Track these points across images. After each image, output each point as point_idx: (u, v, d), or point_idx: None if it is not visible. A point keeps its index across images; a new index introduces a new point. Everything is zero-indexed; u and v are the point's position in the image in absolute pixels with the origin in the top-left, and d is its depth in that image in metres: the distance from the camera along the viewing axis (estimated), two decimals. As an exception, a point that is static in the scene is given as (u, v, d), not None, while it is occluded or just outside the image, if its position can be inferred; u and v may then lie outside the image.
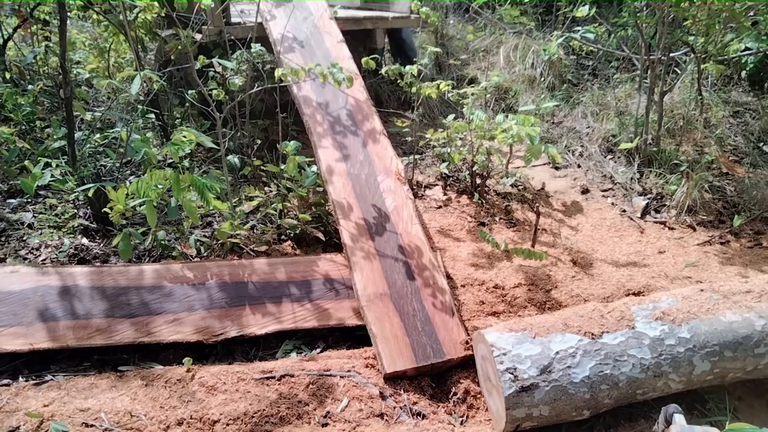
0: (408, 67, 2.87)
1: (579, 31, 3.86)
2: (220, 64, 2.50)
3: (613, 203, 3.45)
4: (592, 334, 1.77)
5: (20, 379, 1.89)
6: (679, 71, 4.31)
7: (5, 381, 1.87)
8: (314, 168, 2.61)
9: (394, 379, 1.94)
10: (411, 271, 2.29)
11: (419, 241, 2.41)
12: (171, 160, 2.87)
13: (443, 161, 3.50)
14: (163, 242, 2.48)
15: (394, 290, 2.20)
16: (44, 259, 2.47)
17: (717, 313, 1.85)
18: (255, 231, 2.68)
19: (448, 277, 2.52)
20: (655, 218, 3.30)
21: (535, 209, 2.99)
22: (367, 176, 2.64)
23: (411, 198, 2.60)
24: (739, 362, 1.82)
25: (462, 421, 1.86)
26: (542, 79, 4.80)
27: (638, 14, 3.78)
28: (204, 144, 2.31)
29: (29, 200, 2.93)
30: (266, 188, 2.94)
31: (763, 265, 2.83)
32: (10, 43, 3.81)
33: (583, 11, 3.64)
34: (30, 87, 3.47)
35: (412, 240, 2.41)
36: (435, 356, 1.98)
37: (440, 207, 3.31)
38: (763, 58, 4.23)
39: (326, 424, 1.75)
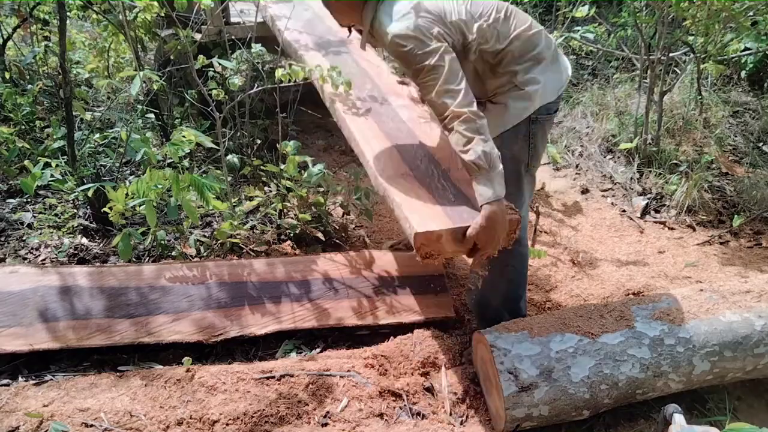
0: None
1: (579, 31, 3.86)
2: (219, 63, 2.49)
3: (612, 203, 3.45)
4: (592, 333, 1.77)
5: (20, 379, 1.88)
6: (678, 71, 4.31)
7: (5, 381, 1.86)
8: (318, 166, 2.60)
9: (426, 253, 1.59)
10: (434, 158, 1.96)
11: (437, 136, 2.13)
12: (171, 160, 2.87)
13: (443, 161, 3.49)
14: (162, 242, 2.48)
15: (418, 172, 1.87)
16: (44, 259, 2.47)
17: (717, 313, 1.86)
18: (255, 231, 2.68)
19: (448, 276, 2.52)
20: (655, 218, 3.30)
21: (534, 209, 2.99)
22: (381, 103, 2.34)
23: (419, 102, 2.34)
24: (739, 362, 1.82)
25: (462, 421, 1.86)
26: (542, 79, 4.79)
27: (638, 14, 3.78)
28: (203, 144, 2.31)
29: (29, 200, 2.93)
30: (266, 188, 2.94)
31: (763, 265, 2.83)
32: (10, 43, 3.81)
33: (582, 11, 3.64)
34: (30, 87, 3.47)
35: (429, 131, 2.13)
36: (473, 220, 1.62)
37: (440, 207, 3.31)
38: (762, 58, 4.23)
39: (326, 424, 1.75)
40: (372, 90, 2.42)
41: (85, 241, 2.59)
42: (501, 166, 1.63)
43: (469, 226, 1.59)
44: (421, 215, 1.63)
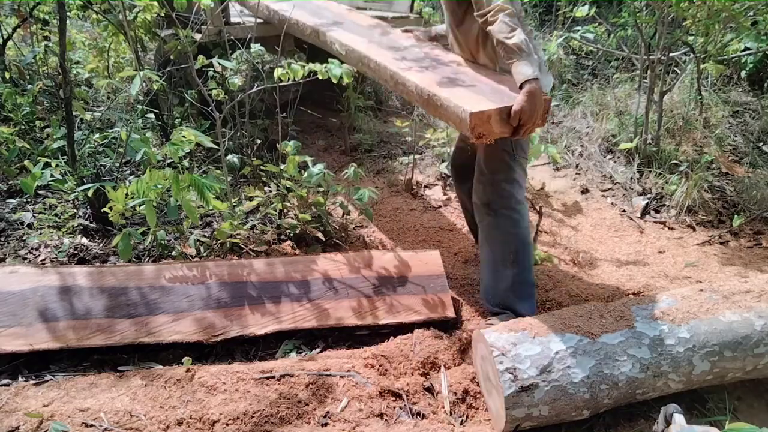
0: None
1: (579, 31, 3.86)
2: (219, 63, 2.50)
3: (612, 203, 3.45)
4: (592, 333, 1.77)
5: (20, 379, 1.88)
6: (678, 71, 4.31)
7: (5, 381, 1.87)
8: (318, 166, 2.61)
9: (479, 133, 1.80)
10: (460, 71, 2.17)
11: (455, 58, 2.32)
12: (171, 160, 2.87)
13: (443, 161, 3.50)
14: (162, 242, 2.48)
15: (450, 80, 2.08)
16: (44, 259, 2.47)
17: (716, 312, 1.86)
18: (255, 231, 2.68)
19: (448, 276, 2.52)
20: (655, 218, 3.30)
21: (537, 209, 2.98)
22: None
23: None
24: (739, 362, 1.82)
25: (462, 421, 1.86)
26: (542, 79, 4.79)
27: (638, 14, 3.78)
28: (203, 144, 2.31)
29: (29, 200, 2.93)
30: (266, 188, 2.94)
31: (762, 265, 2.83)
32: (10, 43, 3.81)
33: (582, 11, 3.64)
34: (30, 87, 3.47)
35: (447, 56, 2.33)
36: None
37: (440, 207, 3.31)
38: (762, 58, 4.23)
39: (326, 424, 1.75)
40: (382, 37, 2.65)
41: (85, 241, 2.59)
42: (535, 55, 1.86)
43: (512, 106, 1.79)
44: (470, 102, 1.83)
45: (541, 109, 1.82)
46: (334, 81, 2.39)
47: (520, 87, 1.80)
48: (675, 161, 3.54)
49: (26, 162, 2.52)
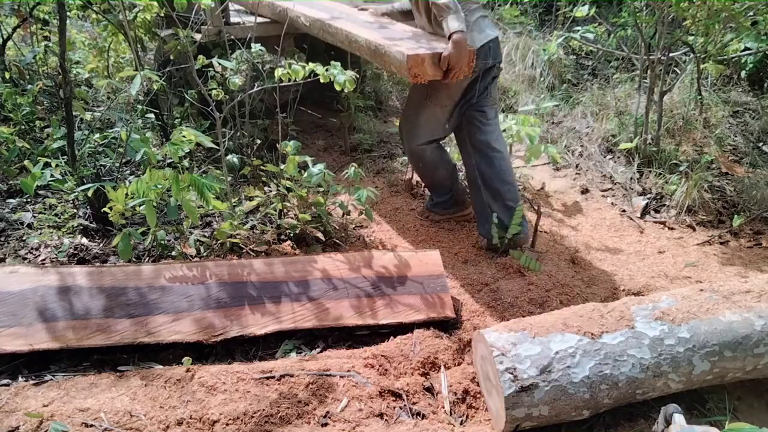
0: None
1: (579, 31, 3.87)
2: (219, 63, 2.49)
3: (612, 203, 3.45)
4: (592, 333, 1.77)
5: (20, 378, 1.88)
6: (678, 71, 4.31)
7: (5, 381, 1.86)
8: (318, 166, 2.61)
9: (414, 73, 2.24)
10: (405, 33, 2.60)
11: (404, 24, 2.85)
12: (171, 160, 2.87)
13: (443, 161, 3.48)
14: (162, 242, 2.48)
15: (397, 38, 2.49)
16: (44, 259, 2.47)
17: (717, 312, 1.86)
18: (255, 231, 2.68)
19: (448, 276, 2.52)
20: (655, 218, 3.30)
21: (536, 209, 2.98)
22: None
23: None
24: (739, 362, 1.82)
25: (462, 421, 1.86)
26: (542, 78, 4.81)
27: (638, 14, 3.78)
28: (203, 144, 2.31)
29: (29, 200, 2.93)
30: (266, 188, 2.94)
31: (762, 265, 2.84)
32: (10, 43, 3.80)
33: (582, 11, 3.65)
34: (30, 87, 3.47)
35: (396, 23, 2.87)
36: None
37: (440, 207, 3.31)
38: (762, 58, 4.24)
39: (326, 424, 1.75)
40: (341, 12, 3.08)
41: (85, 241, 2.59)
42: (462, 13, 2.29)
43: (442, 52, 2.24)
44: (408, 49, 2.26)
45: (466, 57, 2.24)
46: (338, 88, 2.44)
47: (449, 38, 2.23)
48: (675, 161, 3.54)
49: (26, 162, 2.52)
